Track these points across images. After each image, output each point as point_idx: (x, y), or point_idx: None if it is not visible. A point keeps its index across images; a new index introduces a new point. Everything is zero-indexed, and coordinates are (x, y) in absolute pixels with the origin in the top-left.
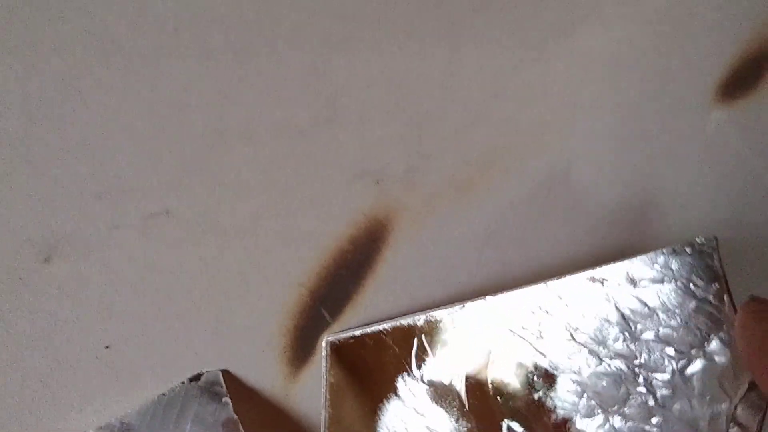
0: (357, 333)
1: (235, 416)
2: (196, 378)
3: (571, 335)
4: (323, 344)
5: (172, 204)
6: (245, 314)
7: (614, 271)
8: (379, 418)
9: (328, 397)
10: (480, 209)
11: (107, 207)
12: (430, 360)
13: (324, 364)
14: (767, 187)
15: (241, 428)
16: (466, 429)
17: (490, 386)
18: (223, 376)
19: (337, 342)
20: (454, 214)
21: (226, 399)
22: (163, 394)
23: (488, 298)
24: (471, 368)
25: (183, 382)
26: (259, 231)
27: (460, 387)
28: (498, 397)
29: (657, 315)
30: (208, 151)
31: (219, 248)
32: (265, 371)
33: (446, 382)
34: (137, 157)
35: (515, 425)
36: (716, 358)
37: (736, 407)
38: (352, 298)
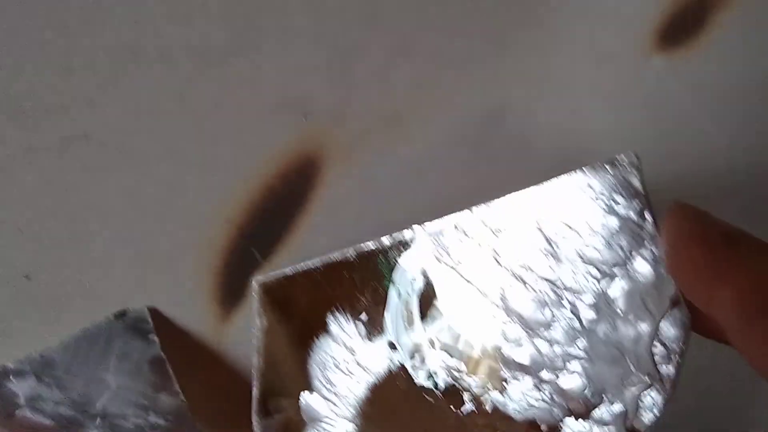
0: (288, 271)
1: (163, 355)
2: (122, 314)
3: (497, 261)
4: (253, 284)
5: (90, 127)
6: (169, 247)
7: (537, 194)
8: (310, 356)
9: (260, 337)
10: (412, 146)
11: (22, 128)
12: (361, 296)
13: (255, 305)
14: (708, 137)
15: (168, 367)
16: (395, 361)
17: (420, 317)
18: (150, 313)
19: (268, 282)
20: (386, 151)
21: (153, 337)
22: (87, 329)
23: (415, 227)
24: (401, 301)
25: (108, 318)
26: (179, 158)
27: (391, 320)
28: (427, 329)
29: (580, 235)
30: (122, 70)
31: (138, 174)
32: (194, 311)
33: (377, 317)
34: (49, 73)
35: (443, 355)
36: (639, 277)
37: (659, 325)
38: (284, 238)
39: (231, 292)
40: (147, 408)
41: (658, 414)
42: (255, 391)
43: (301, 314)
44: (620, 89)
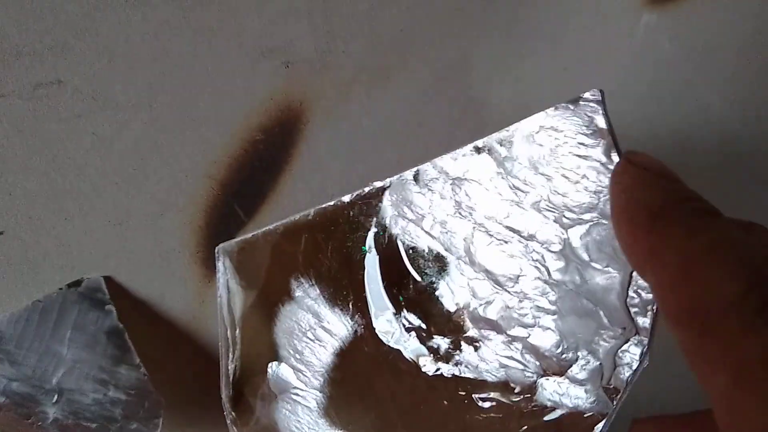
0: (248, 236)
1: (120, 325)
2: (76, 284)
3: (460, 213)
4: (216, 252)
5: (63, 74)
6: (148, 203)
7: (499, 139)
8: (275, 324)
9: (223, 307)
10: (396, 99)
11: None
12: (323, 256)
13: (219, 273)
14: (697, 94)
15: (127, 337)
16: (362, 325)
17: (381, 277)
18: (106, 282)
19: (229, 248)
20: (370, 105)
21: (110, 307)
22: (39, 301)
23: (375, 183)
24: (365, 261)
25: (61, 288)
26: (155, 107)
27: (355, 281)
28: (394, 289)
29: (545, 180)
30: (94, 12)
31: (113, 123)
32: (176, 271)
33: (340, 278)
34: (18, 15)
35: (411, 316)
36: (607, 221)
37: (633, 273)
38: (268, 195)
39: (214, 253)
40: (106, 382)
41: (636, 370)
42: (222, 364)
43: (265, 280)
44: (611, 46)
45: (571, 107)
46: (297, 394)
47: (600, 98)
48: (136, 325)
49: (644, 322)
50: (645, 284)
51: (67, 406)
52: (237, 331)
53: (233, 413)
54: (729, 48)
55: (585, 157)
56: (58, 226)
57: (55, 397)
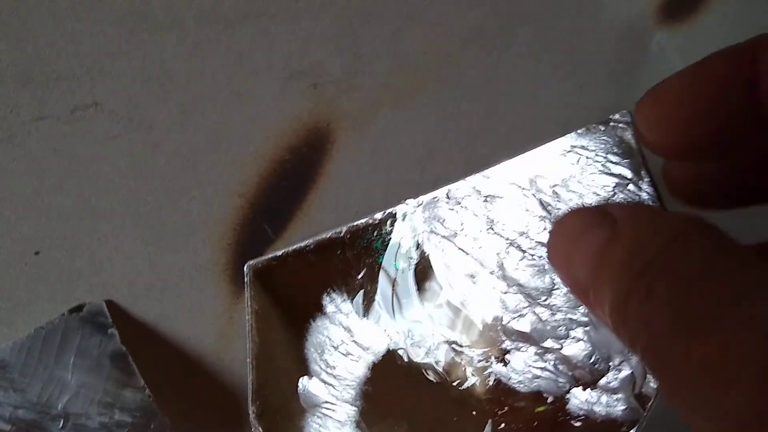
0: (278, 253)
1: (124, 348)
2: (78, 309)
3: (493, 229)
4: (245, 269)
5: (100, 95)
6: (178, 220)
7: (530, 159)
8: (306, 339)
9: (253, 325)
10: (420, 120)
11: (32, 96)
12: (355, 272)
13: (247, 290)
14: None
15: (131, 362)
16: (394, 338)
17: (417, 292)
18: (107, 306)
19: (259, 265)
20: (395, 125)
21: (113, 330)
22: (41, 328)
23: (408, 200)
24: (397, 277)
25: (63, 314)
26: (188, 128)
27: (388, 297)
28: (425, 303)
29: (575, 197)
30: (130, 36)
31: (148, 144)
32: (205, 288)
33: (373, 294)
34: (58, 39)
35: (444, 330)
36: None
37: None
38: (295, 213)
39: (243, 270)
40: (111, 405)
41: None
42: (250, 379)
43: (295, 297)
44: (624, 64)
45: (602, 128)
46: (328, 408)
47: (629, 119)
48: (140, 348)
49: None
50: None
51: (74, 430)
52: (266, 346)
53: (260, 428)
54: None
55: (616, 176)
56: (93, 246)
57: (62, 422)
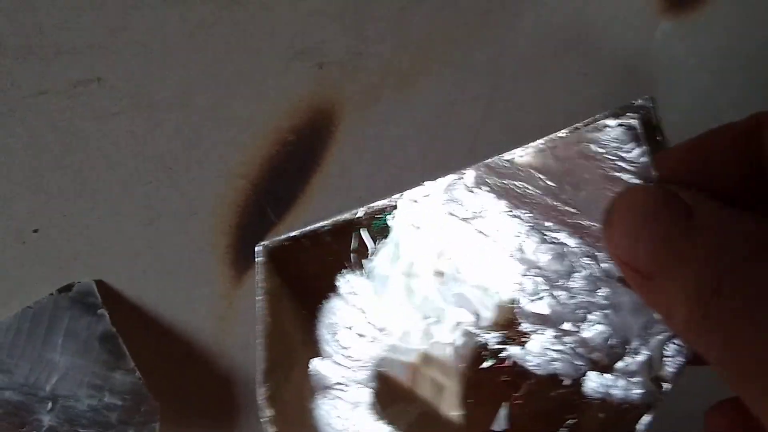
0: (293, 234)
1: (113, 329)
2: (67, 289)
3: (512, 212)
4: (257, 249)
5: (101, 71)
6: (179, 201)
7: (551, 143)
8: (319, 321)
9: (265, 306)
10: (425, 103)
11: (32, 69)
12: (372, 254)
13: (258, 270)
14: (712, 100)
15: (121, 342)
16: (410, 320)
17: (435, 274)
18: (97, 286)
19: (272, 246)
20: (399, 108)
21: (102, 311)
22: (29, 307)
23: (427, 183)
24: (415, 258)
25: (51, 294)
26: (190, 106)
27: (405, 279)
28: (443, 285)
29: (596, 181)
30: (132, 11)
31: (149, 122)
32: (204, 271)
33: (389, 275)
34: (59, 12)
35: (461, 311)
36: None
37: None
38: (298, 197)
39: (244, 254)
40: (101, 388)
41: (684, 361)
42: (259, 361)
43: (308, 278)
44: (628, 53)
45: (621, 111)
46: (340, 390)
47: (651, 104)
48: (133, 330)
49: None
50: None
51: (62, 413)
52: (277, 327)
53: (269, 411)
54: (743, 55)
55: (638, 158)
56: (91, 225)
57: (50, 404)
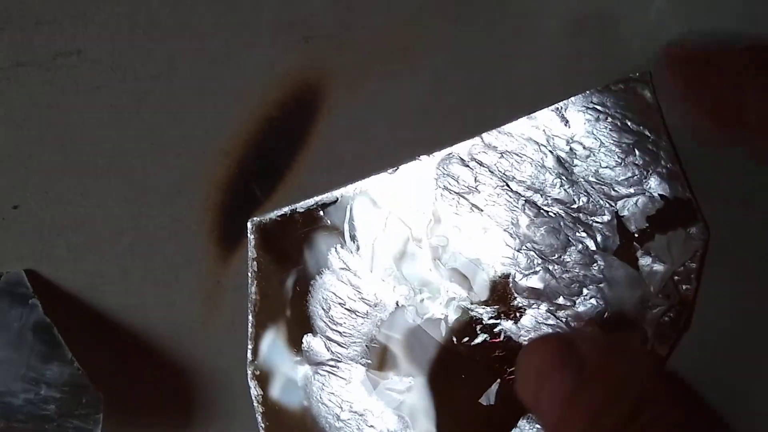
0: (285, 210)
1: (48, 320)
2: None
3: (508, 186)
4: (249, 225)
5: (82, 43)
6: (163, 178)
7: (547, 115)
8: (312, 296)
9: (255, 282)
10: (415, 79)
11: (10, 40)
12: (365, 229)
13: (250, 247)
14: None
15: (56, 332)
16: (404, 295)
17: (429, 249)
18: (28, 275)
19: (264, 222)
20: (389, 83)
21: (34, 301)
22: None
23: (422, 157)
24: (409, 233)
25: None
26: (174, 80)
27: (398, 254)
28: (436, 260)
29: (593, 154)
30: None
31: (132, 96)
32: (190, 249)
33: (383, 250)
34: None
35: (454, 287)
36: (655, 194)
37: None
38: (285, 174)
39: (231, 232)
40: (37, 381)
41: (679, 335)
42: (249, 338)
43: (300, 254)
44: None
45: (621, 86)
46: (332, 366)
47: (649, 78)
48: (67, 319)
49: (687, 289)
50: (690, 252)
51: None
52: (268, 304)
53: (259, 389)
54: (740, 33)
55: (634, 133)
56: (74, 202)
57: None
